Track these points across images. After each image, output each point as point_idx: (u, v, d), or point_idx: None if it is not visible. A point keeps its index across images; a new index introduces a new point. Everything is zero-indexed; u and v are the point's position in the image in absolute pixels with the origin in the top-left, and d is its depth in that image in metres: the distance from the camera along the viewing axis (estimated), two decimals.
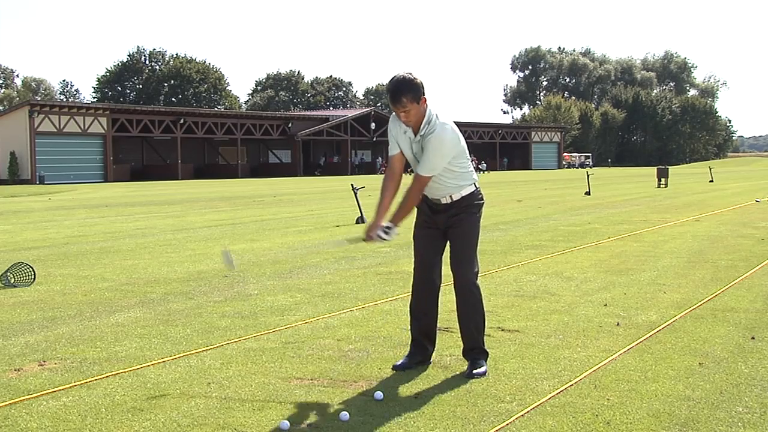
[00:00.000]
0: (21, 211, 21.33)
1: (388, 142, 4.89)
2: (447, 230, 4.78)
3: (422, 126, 4.58)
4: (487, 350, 4.78)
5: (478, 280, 4.78)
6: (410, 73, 4.53)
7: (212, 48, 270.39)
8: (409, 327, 4.97)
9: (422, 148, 4.60)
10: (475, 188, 4.79)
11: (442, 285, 4.89)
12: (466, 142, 4.81)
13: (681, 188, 30.47)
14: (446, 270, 4.82)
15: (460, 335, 4.83)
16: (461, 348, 4.82)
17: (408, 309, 4.96)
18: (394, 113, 4.69)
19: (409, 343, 4.93)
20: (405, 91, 4.47)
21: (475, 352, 4.70)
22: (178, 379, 4.56)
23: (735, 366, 4.74)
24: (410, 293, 4.94)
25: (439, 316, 4.92)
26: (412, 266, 4.87)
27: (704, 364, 4.77)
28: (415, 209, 4.82)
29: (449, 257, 4.77)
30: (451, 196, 4.72)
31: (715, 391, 4.25)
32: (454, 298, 4.79)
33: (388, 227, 4.64)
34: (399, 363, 4.76)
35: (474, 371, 4.57)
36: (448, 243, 4.81)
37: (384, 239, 4.63)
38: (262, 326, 5.95)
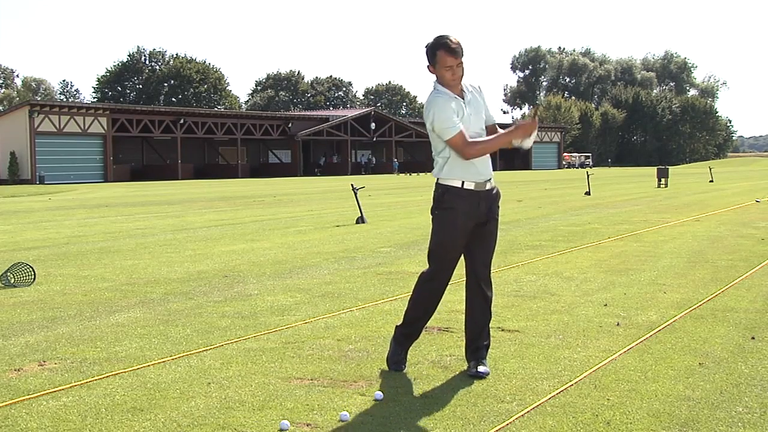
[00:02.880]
0: (21, 211, 21.33)
1: (424, 131, 4.58)
2: (483, 226, 4.56)
3: (464, 85, 4.50)
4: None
5: None
6: None
7: (212, 48, 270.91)
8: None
9: (478, 101, 4.54)
10: None
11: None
12: None
13: (681, 188, 30.47)
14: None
15: (468, 335, 4.69)
16: (466, 348, 4.71)
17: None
18: (439, 91, 4.41)
19: (401, 344, 4.78)
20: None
21: (483, 349, 4.66)
22: (178, 379, 4.56)
23: (735, 366, 4.74)
24: (430, 291, 4.66)
25: (436, 316, 4.90)
26: (437, 263, 4.57)
27: (704, 364, 4.77)
28: (456, 209, 4.46)
29: (479, 254, 4.61)
30: (491, 180, 4.60)
31: (715, 391, 4.25)
32: (474, 297, 4.65)
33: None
34: (395, 367, 4.71)
35: (480, 370, 4.54)
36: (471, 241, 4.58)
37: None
38: (262, 326, 5.95)
